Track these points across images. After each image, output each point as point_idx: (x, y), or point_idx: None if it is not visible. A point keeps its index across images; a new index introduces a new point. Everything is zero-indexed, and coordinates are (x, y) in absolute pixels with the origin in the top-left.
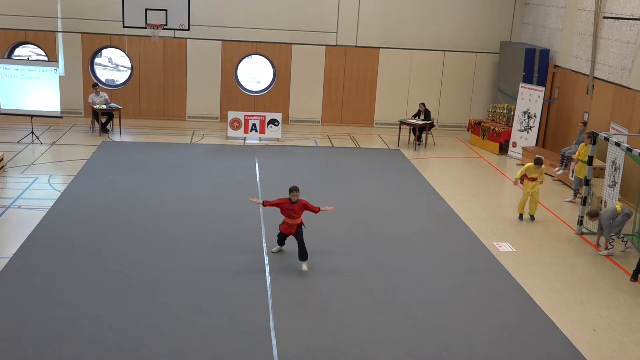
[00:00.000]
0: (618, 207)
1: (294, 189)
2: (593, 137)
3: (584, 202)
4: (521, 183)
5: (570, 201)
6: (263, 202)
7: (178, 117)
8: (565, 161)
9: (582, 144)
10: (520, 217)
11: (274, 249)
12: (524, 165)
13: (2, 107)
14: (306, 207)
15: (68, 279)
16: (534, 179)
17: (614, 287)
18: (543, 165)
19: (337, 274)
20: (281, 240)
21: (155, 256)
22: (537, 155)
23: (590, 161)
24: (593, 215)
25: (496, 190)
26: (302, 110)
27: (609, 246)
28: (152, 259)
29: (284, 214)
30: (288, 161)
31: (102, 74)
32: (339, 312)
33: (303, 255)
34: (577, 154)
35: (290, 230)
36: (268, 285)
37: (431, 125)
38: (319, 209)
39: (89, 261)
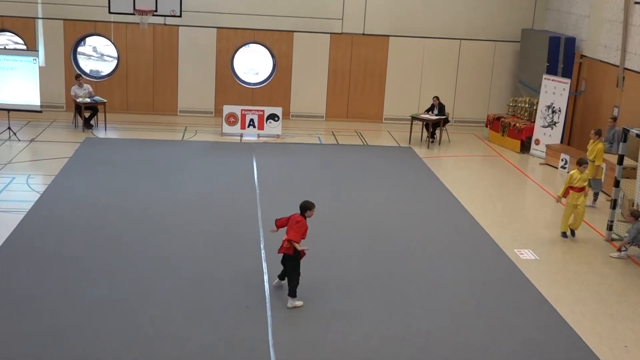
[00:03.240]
0: None
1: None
2: (624, 134)
3: (613, 205)
4: (564, 197)
5: (590, 206)
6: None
7: (169, 112)
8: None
9: (591, 141)
10: (564, 234)
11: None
12: (548, 165)
13: None
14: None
15: (47, 287)
16: (580, 189)
17: None
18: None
19: (342, 285)
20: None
21: (144, 264)
22: (580, 158)
23: (620, 160)
24: (638, 216)
25: (517, 192)
26: (304, 105)
27: (623, 248)
28: (139, 268)
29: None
30: (289, 160)
31: (86, 65)
32: (345, 326)
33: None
34: (588, 152)
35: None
36: (267, 297)
37: (446, 121)
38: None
39: (70, 269)
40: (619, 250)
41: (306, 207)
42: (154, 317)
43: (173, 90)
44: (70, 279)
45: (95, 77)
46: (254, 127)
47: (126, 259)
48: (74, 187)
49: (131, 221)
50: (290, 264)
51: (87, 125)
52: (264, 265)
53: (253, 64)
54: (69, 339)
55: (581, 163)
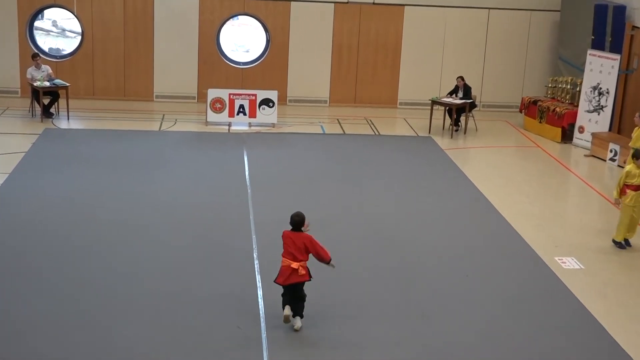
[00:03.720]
0: None
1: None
2: None
3: None
4: (621, 197)
5: None
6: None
7: (143, 98)
8: None
9: (636, 127)
10: (621, 245)
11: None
12: (594, 157)
13: None
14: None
15: (0, 304)
16: (638, 187)
17: None
18: None
19: (350, 300)
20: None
21: (115, 278)
22: (636, 149)
23: None
24: None
25: (559, 190)
26: (304, 88)
27: None
28: (110, 282)
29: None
30: (286, 154)
31: (45, 42)
32: (353, 348)
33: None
34: (632, 141)
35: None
36: (261, 315)
37: (472, 105)
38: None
39: (28, 282)
40: None
41: (302, 222)
42: (128, 339)
43: (148, 72)
44: (28, 294)
45: (56, 57)
46: (245, 114)
47: (95, 271)
48: (31, 187)
49: (100, 227)
50: (302, 288)
51: (47, 113)
52: (258, 278)
53: (243, 39)
54: None
55: (638, 156)
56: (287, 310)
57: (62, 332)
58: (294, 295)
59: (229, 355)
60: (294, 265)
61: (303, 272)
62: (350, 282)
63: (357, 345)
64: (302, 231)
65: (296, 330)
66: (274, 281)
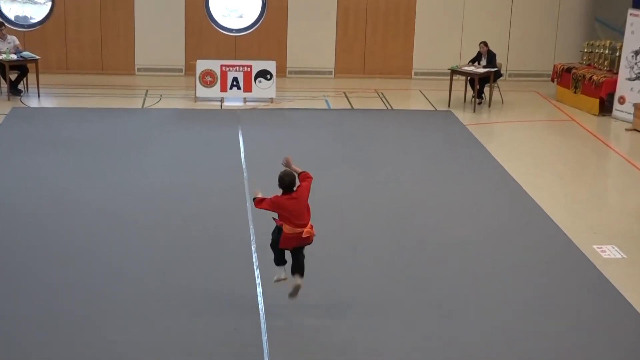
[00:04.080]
0: None
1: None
2: None
3: None
4: None
5: None
6: (254, 198)
7: (123, 71)
8: None
9: None
10: None
11: (276, 278)
12: (636, 131)
13: None
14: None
15: None
16: None
17: None
18: None
19: (361, 296)
20: (281, 258)
21: (95, 276)
22: None
23: None
24: None
25: (597, 170)
26: (305, 57)
27: None
28: (89, 280)
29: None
30: (286, 132)
31: (10, 9)
32: (364, 352)
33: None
34: None
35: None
36: (261, 314)
37: (497, 75)
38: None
39: None
40: None
41: (294, 178)
42: (110, 345)
43: (128, 42)
44: None
45: (24, 26)
46: (239, 88)
47: (72, 268)
48: None
49: (77, 219)
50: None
51: (14, 90)
52: (257, 273)
53: (235, 3)
54: None
55: None
56: (299, 279)
57: (30, 337)
58: (299, 254)
59: (225, 358)
60: (305, 232)
61: (313, 231)
62: (362, 276)
63: (369, 348)
64: (295, 187)
65: (299, 286)
66: (280, 247)
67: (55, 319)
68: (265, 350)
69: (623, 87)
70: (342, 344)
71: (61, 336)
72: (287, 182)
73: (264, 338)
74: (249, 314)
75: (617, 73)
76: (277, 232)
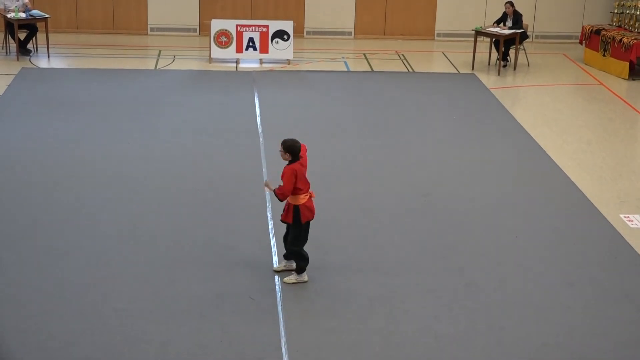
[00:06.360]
0: None
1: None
2: None
3: None
4: None
5: None
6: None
7: (135, 31)
8: None
9: None
10: None
11: (299, 279)
12: None
13: None
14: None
15: None
16: None
17: None
18: None
19: (382, 267)
20: (305, 257)
21: (106, 242)
22: None
23: None
24: None
25: (625, 136)
26: (324, 17)
27: None
28: (100, 247)
29: (297, 189)
30: (304, 95)
31: None
32: (383, 322)
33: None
34: None
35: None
36: (277, 284)
37: (523, 36)
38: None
39: (3, 249)
40: None
41: (299, 146)
42: (119, 312)
43: (141, 0)
44: (4, 262)
45: None
46: (255, 49)
47: (83, 234)
48: (7, 137)
49: (88, 184)
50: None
51: (23, 50)
52: (272, 241)
53: None
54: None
55: None
56: (287, 263)
57: (40, 304)
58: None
59: (240, 330)
60: (312, 194)
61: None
62: (382, 246)
63: (389, 319)
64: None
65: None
66: (304, 221)
67: (60, 285)
68: (281, 317)
69: None
70: (362, 308)
71: (70, 303)
72: (299, 147)
73: (280, 307)
74: (265, 280)
75: None
76: (296, 212)
